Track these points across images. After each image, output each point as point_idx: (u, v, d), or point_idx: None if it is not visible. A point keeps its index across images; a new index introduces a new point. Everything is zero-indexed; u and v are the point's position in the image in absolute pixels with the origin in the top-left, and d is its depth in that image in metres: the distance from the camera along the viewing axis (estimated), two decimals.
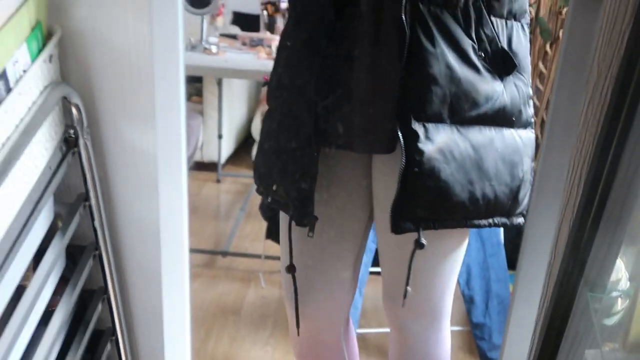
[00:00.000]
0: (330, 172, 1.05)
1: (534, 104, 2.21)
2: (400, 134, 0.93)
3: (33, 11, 0.99)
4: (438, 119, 0.94)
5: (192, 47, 2.30)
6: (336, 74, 0.95)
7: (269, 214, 2.06)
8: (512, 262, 1.81)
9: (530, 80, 1.02)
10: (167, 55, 0.91)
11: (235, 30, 2.77)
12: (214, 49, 2.37)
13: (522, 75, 0.99)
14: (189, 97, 2.70)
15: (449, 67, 0.92)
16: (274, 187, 1.02)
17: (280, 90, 1.04)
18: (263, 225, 2.16)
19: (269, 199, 1.05)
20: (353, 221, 1.11)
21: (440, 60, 0.91)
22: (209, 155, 2.96)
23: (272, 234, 2.11)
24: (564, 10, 1.81)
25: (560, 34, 1.82)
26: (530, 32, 2.11)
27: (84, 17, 1.07)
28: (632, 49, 0.93)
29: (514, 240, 1.81)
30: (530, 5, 2.05)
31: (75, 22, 1.08)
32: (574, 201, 1.06)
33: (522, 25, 1.00)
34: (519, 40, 0.99)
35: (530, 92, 1.02)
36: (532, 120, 1.04)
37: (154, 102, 1.10)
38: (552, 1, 2.04)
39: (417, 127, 0.93)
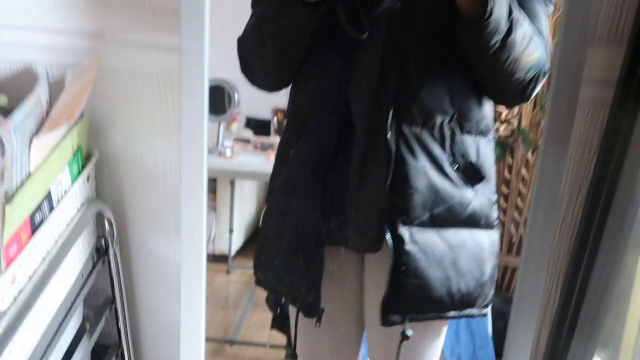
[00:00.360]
0: (329, 271, 1.15)
1: (518, 205, 2.34)
2: (389, 238, 1.03)
3: (76, 138, 1.12)
4: (420, 224, 1.04)
5: (208, 151, 2.42)
6: (338, 200, 1.06)
7: (275, 305, 2.14)
8: (500, 353, 1.87)
9: (495, 187, 1.12)
10: (192, 175, 1.03)
11: (248, 133, 2.92)
12: (228, 152, 2.52)
13: (488, 184, 1.10)
14: None
15: (428, 179, 1.03)
16: (282, 300, 1.12)
17: (284, 204, 1.13)
18: (269, 315, 2.23)
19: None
20: (353, 313, 1.20)
21: (421, 172, 1.02)
22: (220, 247, 3.06)
23: (277, 323, 2.18)
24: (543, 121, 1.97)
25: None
26: (513, 141, 2.27)
27: (119, 142, 1.21)
28: (598, 175, 1.06)
29: (501, 333, 1.87)
30: (513, 116, 2.21)
31: (111, 146, 1.21)
32: (551, 310, 1.15)
33: (487, 141, 1.11)
34: (486, 153, 1.10)
35: (495, 197, 1.12)
36: (497, 222, 1.14)
37: (177, 215, 1.22)
38: (532, 113, 2.21)
39: (403, 231, 1.03)
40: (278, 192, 1.14)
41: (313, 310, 1.09)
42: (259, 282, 1.18)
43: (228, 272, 3.12)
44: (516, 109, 2.22)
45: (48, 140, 1.01)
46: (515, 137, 2.24)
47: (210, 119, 2.39)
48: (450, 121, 1.03)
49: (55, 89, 1.12)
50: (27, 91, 1.10)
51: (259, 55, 1.06)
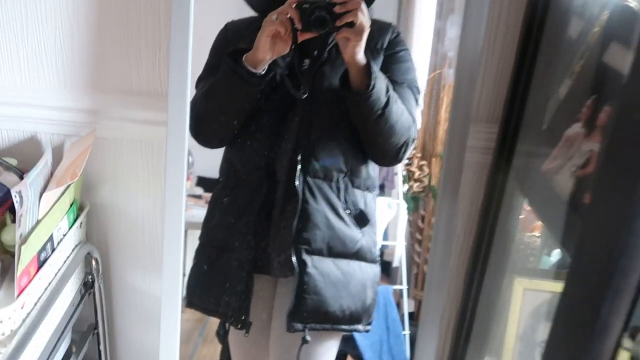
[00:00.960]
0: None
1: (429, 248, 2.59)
2: (295, 263, 1.25)
3: (73, 192, 1.30)
4: (320, 253, 1.27)
5: None
6: (263, 236, 1.28)
7: (223, 338, 2.32)
8: None
9: (377, 230, 1.37)
10: (173, 221, 1.24)
11: (199, 190, 3.17)
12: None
13: (372, 227, 1.35)
14: None
15: (326, 218, 1.26)
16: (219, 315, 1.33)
17: (219, 240, 1.32)
18: (218, 348, 2.41)
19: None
20: (265, 324, 1.37)
21: (321, 213, 1.26)
22: None
23: (225, 355, 2.35)
24: None
25: None
26: (425, 196, 2.56)
27: (107, 195, 1.37)
28: (483, 219, 1.33)
29: None
30: (424, 176, 2.52)
31: (99, 198, 1.37)
32: (452, 326, 1.39)
33: (373, 196, 1.36)
34: (371, 205, 1.35)
35: (376, 239, 1.36)
36: (379, 259, 1.37)
37: (153, 255, 1.43)
38: (440, 174, 2.51)
39: (306, 257, 1.26)
40: (213, 231, 1.34)
41: (245, 323, 1.29)
42: (190, 305, 1.35)
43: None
44: (426, 170, 2.54)
45: (53, 195, 1.18)
46: (426, 192, 2.56)
47: None
48: (344, 177, 1.28)
49: (56, 154, 1.29)
50: (32, 155, 1.28)
51: (207, 118, 1.26)
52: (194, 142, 1.28)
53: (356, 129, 1.27)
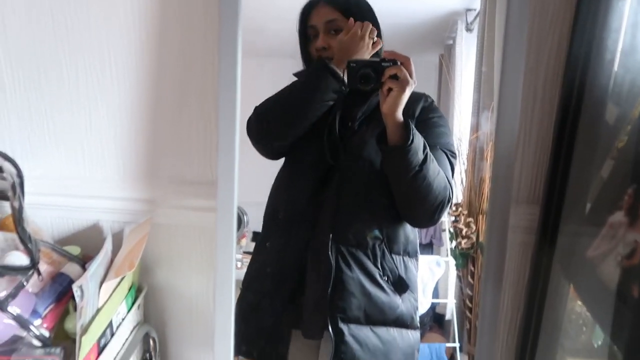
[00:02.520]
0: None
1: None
2: (331, 331, 1.21)
3: (131, 278, 1.32)
4: (356, 321, 1.22)
5: None
6: (298, 293, 1.26)
7: None
8: None
9: (417, 296, 1.32)
10: (224, 303, 1.24)
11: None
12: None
13: (413, 293, 1.30)
14: None
15: (362, 286, 1.22)
16: None
17: (256, 282, 1.33)
18: None
19: None
20: None
21: (355, 281, 1.22)
22: None
23: None
24: None
25: None
26: (474, 252, 2.49)
27: (163, 278, 1.40)
28: (529, 297, 1.27)
29: None
30: (472, 233, 2.45)
31: (156, 280, 1.40)
32: None
33: (414, 261, 1.31)
34: (412, 270, 1.30)
35: (417, 304, 1.31)
36: (419, 324, 1.31)
37: (206, 333, 1.43)
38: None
39: (343, 326, 1.21)
40: (254, 275, 1.34)
41: None
42: (239, 352, 1.32)
43: None
44: (473, 227, 2.48)
45: (113, 284, 1.21)
46: (475, 249, 2.48)
47: None
48: (380, 244, 1.25)
49: (116, 240, 1.32)
50: (94, 242, 1.31)
51: (277, 113, 1.27)
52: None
53: (391, 194, 1.25)
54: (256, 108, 1.30)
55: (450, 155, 1.29)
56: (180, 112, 1.31)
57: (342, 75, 1.23)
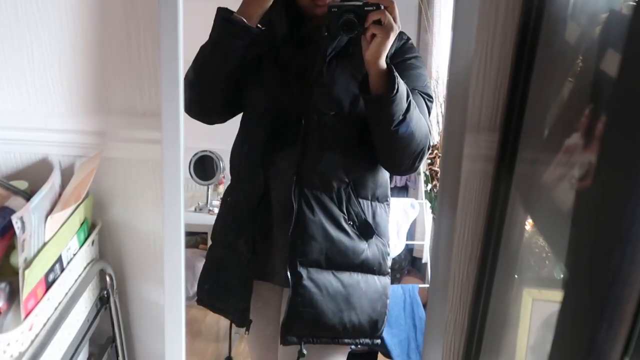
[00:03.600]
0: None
1: None
2: (289, 274, 1.18)
3: (82, 212, 1.26)
4: (317, 265, 1.19)
5: (199, 209, 2.62)
6: (263, 241, 1.22)
7: None
8: None
9: (389, 241, 1.27)
10: (173, 236, 1.19)
11: None
12: (215, 210, 2.70)
13: (381, 238, 1.24)
14: (197, 245, 2.99)
15: (324, 230, 1.18)
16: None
17: (220, 236, 1.29)
18: None
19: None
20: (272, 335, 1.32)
21: (317, 224, 1.18)
22: None
23: None
24: None
25: None
26: None
27: (117, 212, 1.35)
28: (488, 227, 1.23)
29: None
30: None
31: (110, 216, 1.35)
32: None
33: (384, 205, 1.26)
34: (381, 215, 1.25)
35: (387, 250, 1.26)
36: (389, 270, 1.27)
37: (163, 268, 1.39)
38: None
39: (302, 270, 1.18)
40: (220, 230, 1.30)
41: (243, 321, 1.25)
42: (200, 302, 1.31)
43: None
44: None
45: (60, 217, 1.15)
46: None
47: (200, 183, 2.60)
48: (346, 188, 1.19)
49: (66, 174, 1.26)
50: (44, 177, 1.24)
51: (198, 82, 1.19)
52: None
53: (359, 138, 1.18)
54: (186, 75, 1.20)
55: (427, 99, 1.22)
56: (129, 37, 1.23)
57: (245, 23, 1.14)
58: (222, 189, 3.17)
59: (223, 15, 1.15)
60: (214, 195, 3.03)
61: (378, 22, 1.09)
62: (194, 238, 2.90)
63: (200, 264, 3.21)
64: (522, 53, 1.08)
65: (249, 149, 1.24)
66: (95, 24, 1.23)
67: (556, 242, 0.97)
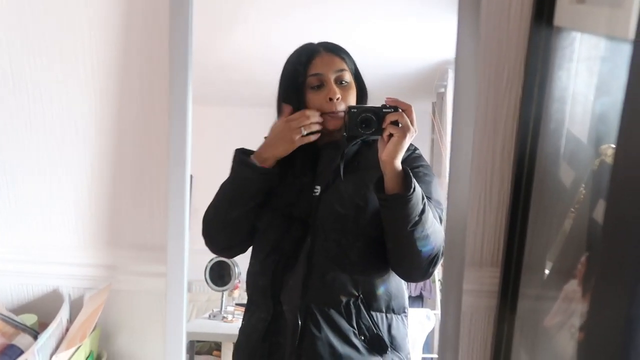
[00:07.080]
0: None
1: None
2: None
3: (89, 346, 1.25)
4: None
5: (213, 316, 2.59)
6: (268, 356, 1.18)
7: None
8: None
9: (409, 355, 1.21)
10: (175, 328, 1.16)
11: None
12: (229, 317, 2.65)
13: (399, 353, 1.18)
14: (210, 352, 2.92)
15: (331, 347, 1.12)
16: None
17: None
18: None
19: None
20: None
21: (324, 342, 1.13)
22: None
23: None
24: None
25: None
26: None
27: (124, 342, 1.33)
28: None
29: None
30: None
31: (117, 346, 1.33)
32: None
33: (401, 317, 1.20)
34: (398, 327, 1.19)
35: None
36: None
37: None
38: None
39: None
40: (235, 352, 1.28)
41: None
42: None
43: None
44: None
45: (64, 356, 1.12)
46: None
47: (216, 289, 2.58)
48: (355, 301, 1.15)
49: (75, 306, 1.26)
50: (53, 309, 1.23)
51: (216, 218, 1.20)
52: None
53: (366, 250, 1.16)
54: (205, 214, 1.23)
55: (437, 205, 1.21)
56: (142, 176, 1.27)
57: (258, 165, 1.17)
58: (237, 294, 3.14)
59: (241, 159, 1.17)
60: (229, 300, 2.99)
61: (395, 123, 1.10)
62: (207, 344, 2.83)
63: None
64: (518, 191, 1.08)
65: (260, 269, 1.23)
66: (110, 162, 1.27)
67: None
